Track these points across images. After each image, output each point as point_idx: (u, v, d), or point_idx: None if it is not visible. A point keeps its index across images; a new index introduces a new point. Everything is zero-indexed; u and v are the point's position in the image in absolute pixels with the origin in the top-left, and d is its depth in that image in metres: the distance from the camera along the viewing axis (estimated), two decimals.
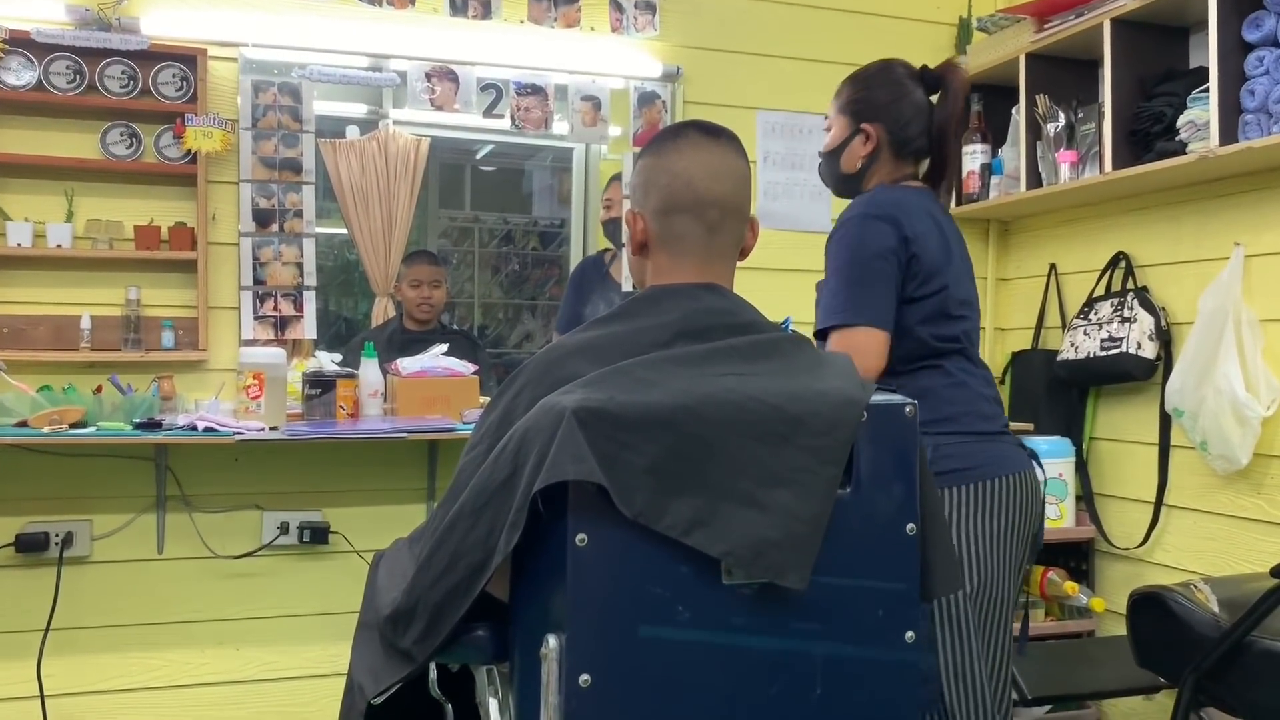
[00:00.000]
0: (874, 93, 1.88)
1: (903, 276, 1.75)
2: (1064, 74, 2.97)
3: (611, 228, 3.26)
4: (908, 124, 1.86)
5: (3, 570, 2.61)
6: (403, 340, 3.07)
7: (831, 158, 1.93)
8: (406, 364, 2.74)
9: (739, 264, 1.45)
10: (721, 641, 1.16)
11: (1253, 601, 1.72)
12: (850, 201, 1.85)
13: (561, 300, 3.42)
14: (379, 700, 1.27)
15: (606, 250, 3.32)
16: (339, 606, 2.78)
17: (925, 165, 1.92)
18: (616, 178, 3.32)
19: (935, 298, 1.77)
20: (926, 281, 1.76)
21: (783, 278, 3.09)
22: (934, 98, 1.89)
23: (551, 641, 1.12)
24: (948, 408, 1.76)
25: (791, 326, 1.90)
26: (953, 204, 3.34)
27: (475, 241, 4.34)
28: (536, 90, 3.01)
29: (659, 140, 1.43)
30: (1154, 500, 2.78)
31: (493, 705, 1.36)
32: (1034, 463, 1.84)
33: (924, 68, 1.91)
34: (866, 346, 1.70)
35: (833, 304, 1.75)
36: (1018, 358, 3.26)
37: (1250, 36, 2.35)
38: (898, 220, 1.75)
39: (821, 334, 1.78)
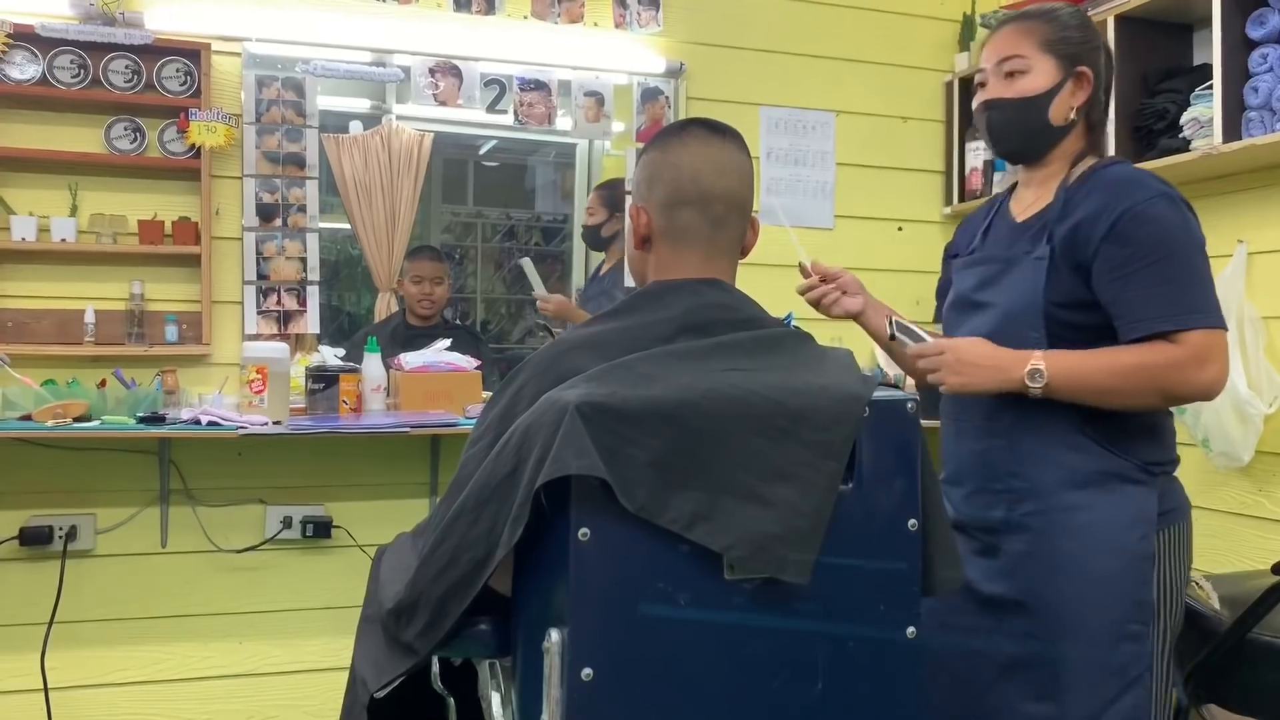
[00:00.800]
0: (1087, 34, 1.62)
1: None
2: None
3: (589, 234, 3.30)
4: (1107, 87, 1.64)
5: (7, 564, 2.62)
6: (405, 335, 3.07)
7: (1034, 105, 1.60)
8: (409, 359, 2.74)
9: (741, 261, 1.45)
10: (723, 636, 1.17)
11: (1254, 598, 1.72)
12: (1127, 178, 1.55)
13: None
14: (382, 694, 1.27)
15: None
16: (342, 600, 2.79)
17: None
18: (601, 187, 3.33)
19: None
20: None
21: (785, 274, 3.09)
22: None
23: (554, 635, 1.12)
24: (1174, 450, 1.62)
25: (794, 322, 1.90)
26: (955, 200, 3.34)
27: (478, 237, 4.35)
28: (540, 86, 3.02)
29: (663, 136, 1.43)
30: None
31: (495, 699, 1.36)
32: None
33: None
34: (1225, 353, 1.49)
35: (1191, 301, 1.47)
36: None
37: (1254, 33, 2.35)
38: (1195, 211, 1.52)
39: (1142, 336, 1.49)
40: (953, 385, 1.55)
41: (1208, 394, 1.49)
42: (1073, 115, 1.61)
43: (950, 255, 1.88)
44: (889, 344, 1.77)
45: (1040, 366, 1.49)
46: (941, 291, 1.89)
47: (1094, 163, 1.63)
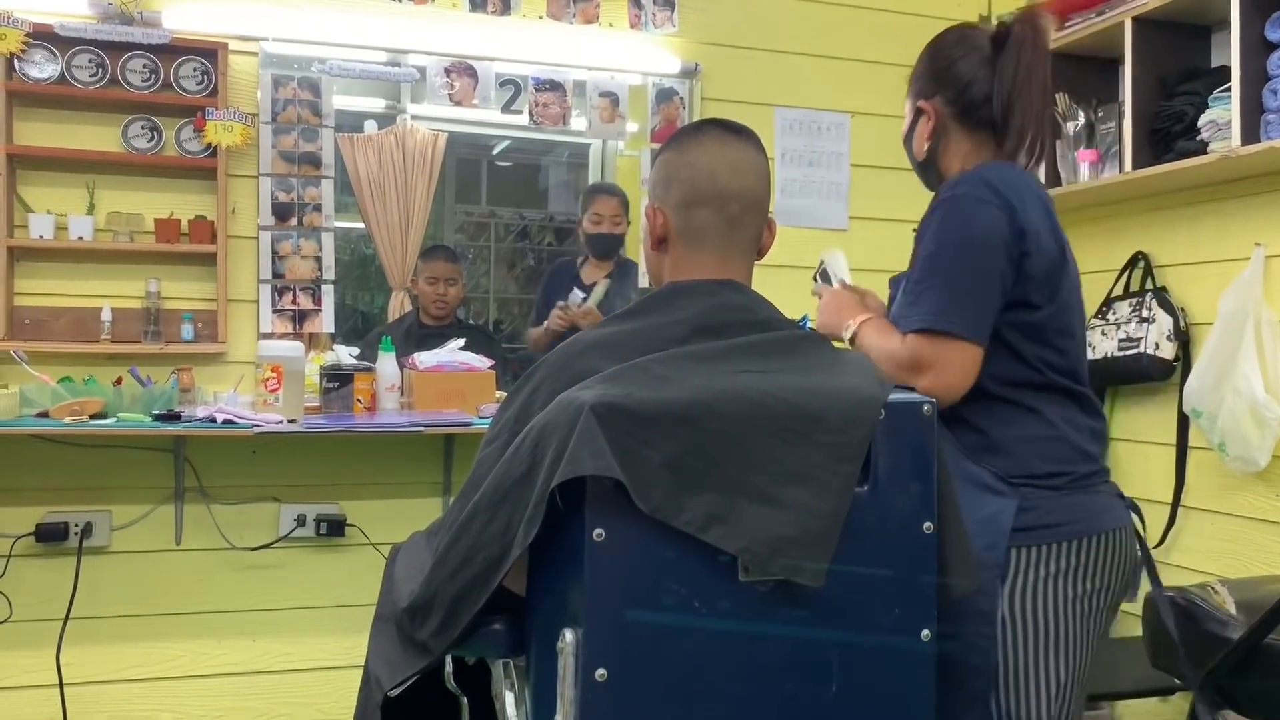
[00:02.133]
0: (932, 61, 1.66)
1: (1013, 277, 1.48)
2: (1084, 72, 2.95)
3: (597, 240, 3.24)
4: (967, 86, 1.60)
5: (23, 560, 2.63)
6: (419, 335, 3.08)
7: (906, 147, 1.71)
8: (423, 358, 2.75)
9: (757, 263, 1.45)
10: (737, 637, 1.16)
11: (1271, 604, 1.71)
12: (947, 183, 1.58)
13: (535, 303, 3.45)
14: (395, 692, 1.28)
15: (579, 256, 3.34)
16: (355, 599, 2.80)
17: None
18: (608, 192, 3.29)
19: (1046, 310, 1.51)
20: (1041, 286, 1.49)
21: (800, 275, 3.09)
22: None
23: (568, 635, 1.12)
24: (1044, 464, 1.51)
25: (809, 324, 1.90)
26: None
27: (491, 237, 4.35)
28: (555, 86, 3.02)
29: (680, 136, 1.43)
30: (1171, 501, 2.77)
31: (509, 698, 1.36)
32: (1132, 514, 1.60)
33: (999, 22, 1.67)
34: (952, 361, 1.46)
35: (921, 302, 1.49)
36: None
37: (1273, 36, 2.34)
38: (1012, 205, 1.48)
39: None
40: (818, 325, 1.74)
41: (936, 399, 1.34)
42: (926, 146, 1.66)
43: None
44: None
45: (854, 328, 1.64)
46: None
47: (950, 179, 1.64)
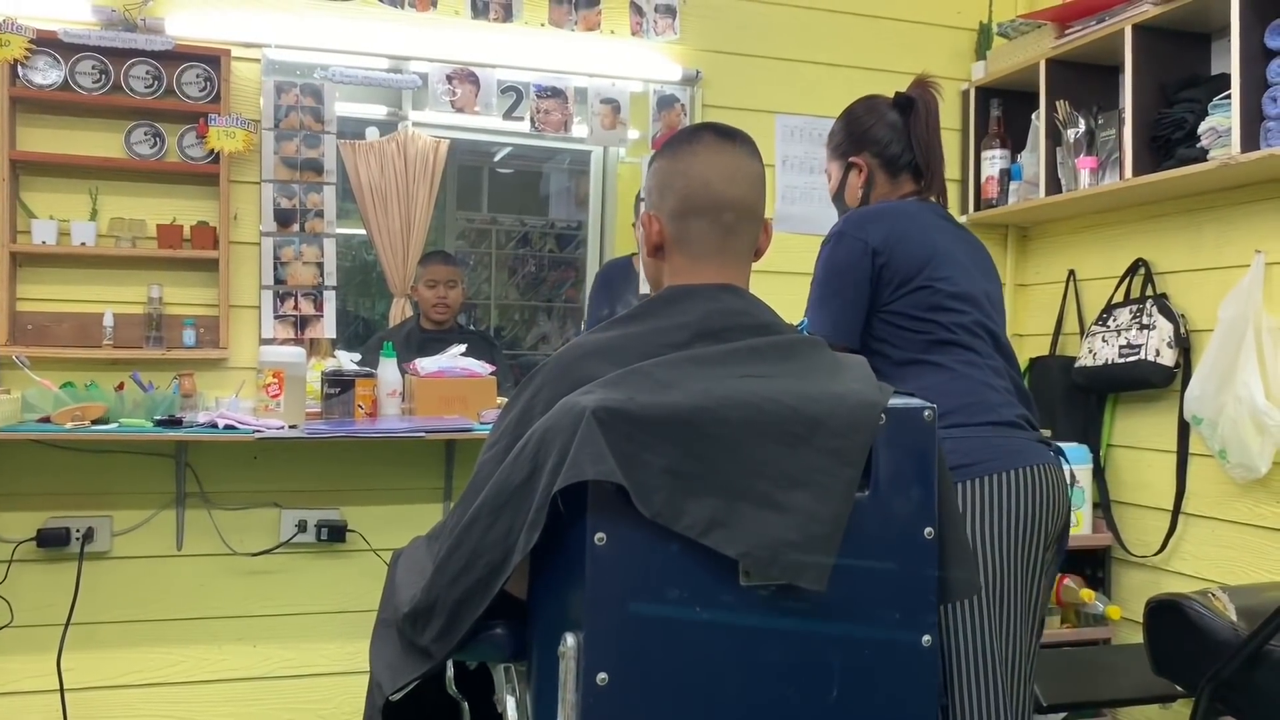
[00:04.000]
0: (850, 127, 2.01)
1: (874, 285, 1.82)
2: (1085, 80, 2.96)
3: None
4: (888, 144, 1.96)
5: (25, 565, 2.63)
6: (420, 340, 3.08)
7: (838, 200, 2.04)
8: (425, 364, 2.75)
9: (754, 266, 1.45)
10: (738, 641, 1.17)
11: (1271, 610, 1.71)
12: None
13: (589, 302, 3.43)
14: (397, 697, 1.28)
15: (633, 253, 3.34)
16: (356, 604, 2.80)
17: None
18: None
19: (921, 293, 1.80)
20: (906, 281, 1.80)
21: (800, 281, 3.09)
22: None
23: (569, 640, 1.13)
24: (946, 400, 1.70)
25: (808, 329, 1.91)
26: (971, 209, 3.33)
27: (492, 243, 4.35)
28: (556, 93, 3.03)
29: (674, 143, 1.43)
30: (1172, 508, 2.77)
31: (510, 703, 1.37)
32: (1059, 458, 1.80)
33: (896, 94, 2.02)
34: None
35: (816, 323, 1.86)
36: (1035, 364, 3.25)
37: (1273, 43, 2.34)
38: (864, 231, 1.83)
39: None
40: None
41: None
42: (860, 193, 1.98)
43: None
44: None
45: None
46: None
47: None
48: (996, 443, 1.74)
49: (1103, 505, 2.99)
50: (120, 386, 2.53)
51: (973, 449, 1.71)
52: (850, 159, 1.99)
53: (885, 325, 1.82)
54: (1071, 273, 3.19)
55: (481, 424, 2.57)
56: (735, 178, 1.38)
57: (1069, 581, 2.89)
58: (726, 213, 1.37)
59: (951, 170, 3.41)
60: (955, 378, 1.78)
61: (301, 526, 2.79)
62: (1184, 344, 2.71)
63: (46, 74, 2.62)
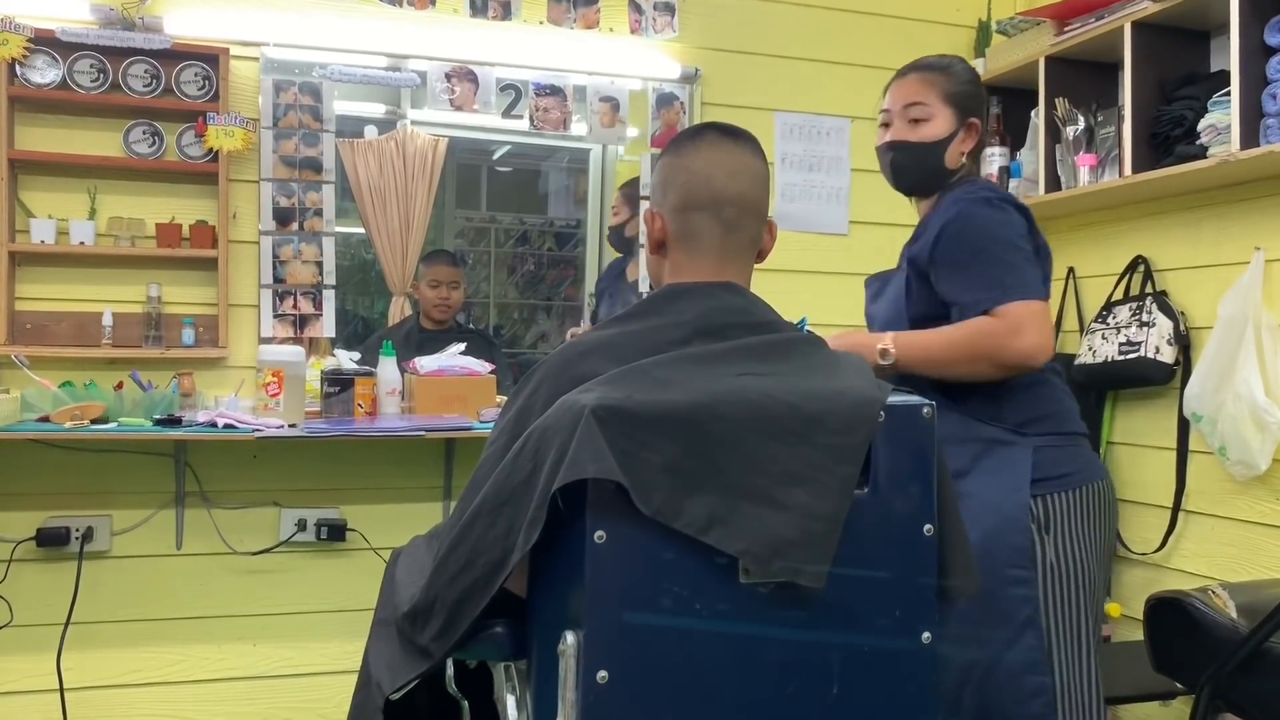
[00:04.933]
0: (979, 89, 1.87)
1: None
2: (1084, 77, 2.96)
3: (615, 235, 3.30)
4: (983, 128, 1.88)
5: (24, 564, 2.63)
6: (420, 339, 3.08)
7: (933, 149, 1.84)
8: (424, 363, 2.75)
9: (757, 266, 1.45)
10: (738, 639, 1.17)
11: (1272, 607, 1.71)
12: (959, 193, 1.80)
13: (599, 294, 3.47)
14: (396, 696, 1.28)
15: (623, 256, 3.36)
16: (355, 603, 2.80)
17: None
18: (626, 186, 3.33)
19: None
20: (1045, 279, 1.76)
21: (799, 279, 3.10)
22: None
23: (569, 638, 1.12)
24: (1042, 406, 1.75)
25: (807, 327, 1.90)
26: None
27: (491, 242, 4.35)
28: (555, 91, 3.02)
29: (679, 140, 1.44)
30: (1172, 505, 2.77)
31: (510, 702, 1.36)
32: None
33: None
34: (1046, 321, 1.67)
35: (1009, 280, 1.67)
36: None
37: (1272, 40, 2.34)
38: (1023, 208, 1.75)
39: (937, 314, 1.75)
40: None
41: (1030, 359, 1.65)
42: (963, 160, 1.85)
43: None
44: None
45: (888, 344, 1.73)
46: None
47: (949, 189, 1.85)
48: (1086, 454, 1.78)
49: None
50: (119, 386, 2.53)
51: (1071, 458, 1.74)
52: (971, 118, 1.85)
53: None
54: (1071, 270, 3.19)
55: (481, 423, 2.57)
56: (738, 173, 1.38)
57: None
58: (728, 208, 1.37)
59: None
60: (1049, 386, 1.78)
61: (301, 525, 2.79)
62: (1183, 341, 2.71)
63: (45, 73, 2.62)
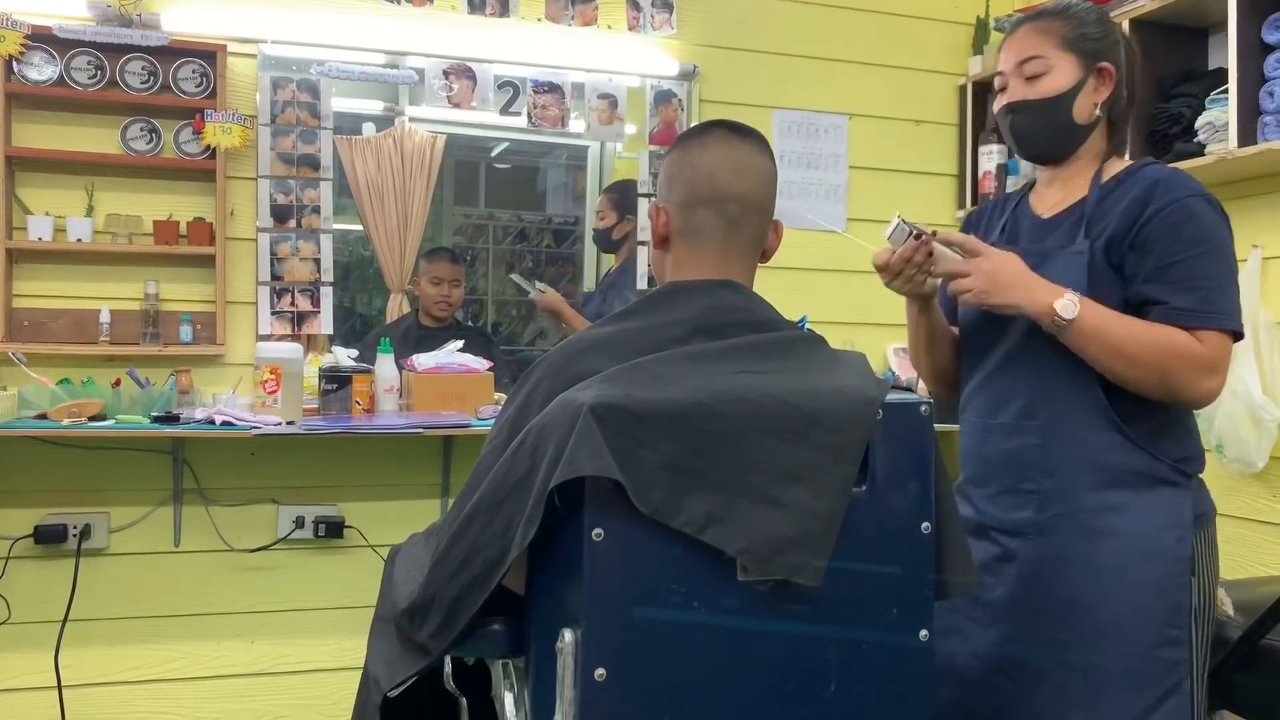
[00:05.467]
0: (1106, 28, 1.59)
1: None
2: None
3: (601, 237, 3.33)
4: (1129, 75, 1.60)
5: (22, 561, 2.63)
6: (418, 336, 3.08)
7: (1056, 105, 1.57)
8: (422, 360, 2.75)
9: (761, 265, 1.45)
10: (736, 637, 1.17)
11: (1268, 605, 1.71)
12: (1168, 176, 1.53)
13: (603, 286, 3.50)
14: (395, 693, 1.28)
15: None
16: (354, 600, 2.80)
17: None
18: (611, 189, 3.34)
19: None
20: None
21: (798, 277, 3.09)
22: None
23: (567, 635, 1.12)
24: (1195, 444, 1.58)
25: (808, 325, 1.89)
26: (968, 203, 3.34)
27: (489, 239, 4.35)
28: (553, 88, 3.02)
29: (686, 136, 1.44)
30: None
31: (508, 699, 1.37)
32: None
33: None
34: (1228, 364, 1.49)
35: (1214, 300, 1.47)
36: None
37: (1270, 38, 2.34)
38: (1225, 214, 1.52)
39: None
40: (975, 295, 1.50)
41: (1204, 402, 1.50)
42: (1097, 112, 1.58)
43: None
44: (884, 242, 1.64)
45: (1074, 301, 1.46)
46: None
47: (1131, 164, 1.61)
48: (1206, 488, 1.61)
49: None
50: (117, 383, 2.52)
51: (1205, 496, 1.59)
52: (1100, 63, 1.57)
53: None
54: None
55: (479, 420, 2.57)
56: (743, 171, 1.38)
57: None
58: (731, 205, 1.37)
59: (949, 165, 3.42)
60: (1194, 420, 1.61)
61: (299, 523, 2.79)
62: None
63: (42, 70, 2.61)
